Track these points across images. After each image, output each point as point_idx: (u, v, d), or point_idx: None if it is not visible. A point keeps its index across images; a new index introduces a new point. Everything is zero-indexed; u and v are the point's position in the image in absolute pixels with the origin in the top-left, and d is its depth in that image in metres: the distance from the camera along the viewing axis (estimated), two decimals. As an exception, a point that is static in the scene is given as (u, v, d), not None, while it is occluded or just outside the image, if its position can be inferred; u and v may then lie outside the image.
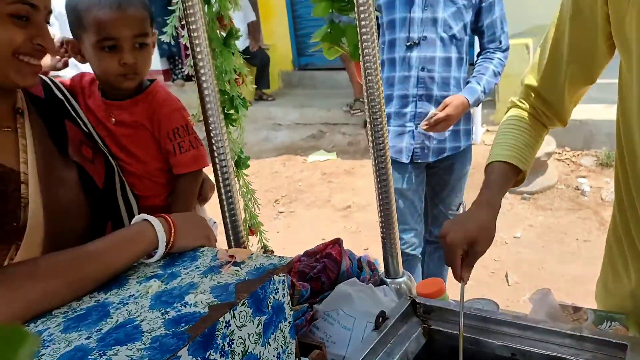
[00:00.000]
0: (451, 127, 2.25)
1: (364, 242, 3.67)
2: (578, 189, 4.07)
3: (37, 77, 0.97)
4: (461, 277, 0.99)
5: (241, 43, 6.75)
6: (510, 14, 6.17)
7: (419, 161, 2.32)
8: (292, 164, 5.59)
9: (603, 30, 0.99)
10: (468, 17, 2.15)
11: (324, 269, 1.27)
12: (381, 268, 1.40)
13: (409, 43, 2.14)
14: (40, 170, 0.93)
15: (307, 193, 4.82)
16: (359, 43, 1.20)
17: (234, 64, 1.11)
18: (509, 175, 1.11)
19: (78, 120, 1.13)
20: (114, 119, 1.30)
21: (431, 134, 2.26)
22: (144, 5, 1.26)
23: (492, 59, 2.22)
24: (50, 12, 0.96)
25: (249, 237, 1.31)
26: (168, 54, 7.83)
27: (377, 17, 1.88)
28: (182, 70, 7.76)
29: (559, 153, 4.53)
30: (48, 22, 0.97)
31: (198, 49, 1.05)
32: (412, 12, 2.11)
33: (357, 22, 1.17)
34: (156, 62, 7.75)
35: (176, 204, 1.32)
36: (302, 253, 1.38)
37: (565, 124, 1.19)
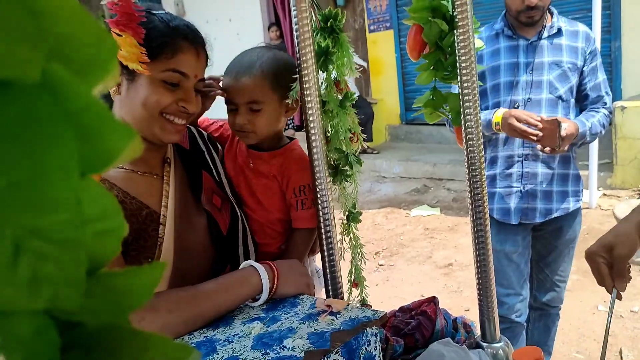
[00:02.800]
0: (559, 188, 2.19)
1: (465, 302, 3.55)
2: None
3: (180, 135, 1.11)
4: (613, 286, 0.96)
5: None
6: (629, 77, 5.92)
7: (526, 222, 2.25)
8: (394, 217, 5.60)
9: None
10: (574, 79, 2.15)
11: (418, 326, 1.29)
12: (478, 331, 1.38)
13: (515, 105, 2.14)
14: (177, 214, 1.07)
15: (408, 247, 4.78)
16: (461, 110, 1.25)
17: (349, 124, 1.21)
18: None
19: (213, 170, 1.26)
20: (252, 165, 1.40)
21: (538, 194, 2.20)
22: (263, 74, 1.31)
23: (597, 111, 2.20)
24: (202, 79, 1.11)
25: (352, 289, 1.36)
26: (282, 106, 8.32)
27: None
28: (293, 120, 8.19)
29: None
30: (199, 89, 1.10)
31: (310, 112, 1.16)
32: (518, 76, 2.14)
33: (460, 90, 1.23)
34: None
35: (290, 254, 1.39)
36: (397, 308, 1.41)
37: None
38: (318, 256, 1.60)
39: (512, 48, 2.15)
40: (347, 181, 1.24)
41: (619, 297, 0.97)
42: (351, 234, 1.30)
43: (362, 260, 1.33)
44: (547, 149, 2.02)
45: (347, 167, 1.26)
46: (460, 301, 3.61)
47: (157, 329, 0.90)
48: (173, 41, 1.01)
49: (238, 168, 1.42)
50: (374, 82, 8.00)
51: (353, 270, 1.31)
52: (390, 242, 4.95)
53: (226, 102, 1.37)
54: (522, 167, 2.20)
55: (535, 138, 1.98)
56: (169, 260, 1.02)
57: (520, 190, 2.21)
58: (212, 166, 1.27)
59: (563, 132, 1.98)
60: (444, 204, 5.71)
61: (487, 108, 2.20)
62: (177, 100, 1.05)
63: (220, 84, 1.32)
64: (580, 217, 2.34)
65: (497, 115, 2.06)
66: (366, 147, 7.50)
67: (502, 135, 2.17)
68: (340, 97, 1.28)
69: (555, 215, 2.23)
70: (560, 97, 2.15)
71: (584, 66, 2.17)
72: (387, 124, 8.10)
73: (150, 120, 1.04)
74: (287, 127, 8.50)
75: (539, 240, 2.36)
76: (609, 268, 0.94)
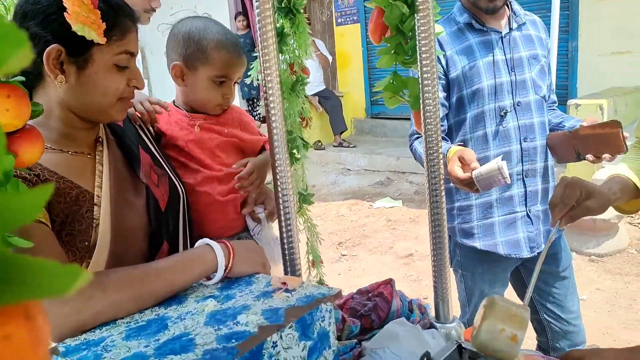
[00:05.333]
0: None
1: (424, 290, 3.62)
2: (652, 255, 3.85)
3: (126, 112, 1.11)
4: (558, 220, 0.97)
5: (316, 87, 6.92)
6: (585, 76, 6.09)
7: (520, 255, 1.88)
8: (358, 209, 5.65)
9: None
10: (549, 75, 1.93)
11: (374, 308, 1.31)
12: (432, 313, 1.41)
13: (502, 113, 1.81)
14: (112, 194, 1.03)
15: (371, 238, 4.83)
16: (420, 94, 1.26)
17: (300, 108, 1.20)
18: (627, 186, 1.12)
19: (150, 145, 1.24)
20: (198, 127, 1.50)
21: (541, 216, 1.89)
22: (245, 54, 1.52)
23: (555, 109, 2.03)
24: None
25: (311, 268, 1.38)
26: (248, 96, 8.25)
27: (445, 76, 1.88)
28: (259, 112, 8.14)
29: (632, 217, 4.32)
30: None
31: (270, 92, 1.16)
32: (499, 77, 1.81)
33: (420, 75, 1.24)
34: (237, 104, 8.17)
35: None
36: (355, 291, 1.42)
37: None
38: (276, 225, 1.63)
39: (485, 43, 1.82)
40: (295, 163, 1.24)
41: (559, 226, 0.99)
42: (304, 215, 1.30)
43: (318, 241, 1.34)
44: (607, 156, 1.65)
45: (294, 151, 1.26)
46: (419, 289, 3.67)
47: (106, 307, 0.88)
48: (121, 22, 0.99)
49: (182, 133, 1.48)
50: (340, 75, 8.02)
51: (310, 250, 1.32)
52: (354, 233, 4.99)
53: (217, 76, 1.46)
54: (525, 187, 1.86)
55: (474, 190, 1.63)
56: (105, 242, 0.99)
57: (527, 214, 1.88)
58: (147, 142, 1.24)
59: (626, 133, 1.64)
60: (406, 197, 5.79)
61: (464, 121, 1.86)
62: (129, 81, 1.04)
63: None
64: (563, 232, 2.04)
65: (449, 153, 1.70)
66: (342, 140, 7.55)
67: (496, 151, 1.84)
68: (293, 80, 1.27)
69: (554, 237, 1.92)
70: (543, 97, 1.88)
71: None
72: (352, 117, 8.14)
73: (109, 106, 1.03)
74: (255, 119, 8.44)
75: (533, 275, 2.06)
76: (570, 208, 0.97)
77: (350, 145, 7.52)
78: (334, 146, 7.60)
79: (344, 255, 4.53)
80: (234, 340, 0.76)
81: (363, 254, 4.53)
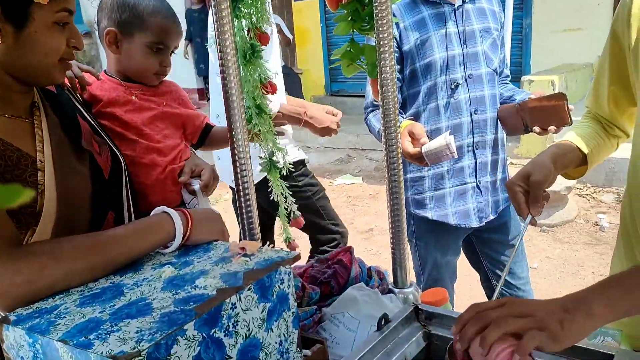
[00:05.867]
0: (502, 175, 1.97)
1: (383, 263, 3.67)
2: (597, 225, 4.03)
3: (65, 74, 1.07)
4: (528, 213, 1.00)
5: (276, 64, 6.80)
6: (538, 53, 6.21)
7: (471, 225, 1.94)
8: (318, 186, 5.67)
9: None
10: (502, 49, 1.96)
11: (334, 275, 1.32)
12: (391, 279, 1.44)
13: (453, 85, 1.84)
14: (56, 160, 0.99)
15: (331, 214, 4.87)
16: (377, 61, 1.26)
17: (258, 75, 1.19)
18: (573, 152, 1.15)
19: (85, 113, 1.21)
20: (135, 97, 1.48)
21: (490, 187, 1.92)
22: (180, 23, 1.52)
23: (507, 83, 2.07)
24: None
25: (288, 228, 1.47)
26: (204, 73, 8.07)
27: (398, 47, 1.89)
28: (217, 90, 7.99)
29: (580, 188, 4.52)
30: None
31: (226, 57, 1.13)
32: (451, 50, 1.83)
33: (377, 42, 1.24)
34: (192, 81, 8.02)
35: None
36: (315, 259, 1.43)
37: (628, 135, 1.23)
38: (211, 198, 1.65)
39: (438, 16, 1.83)
40: (255, 129, 1.23)
41: (534, 223, 1.02)
42: (275, 180, 1.31)
43: (288, 204, 1.35)
44: (553, 128, 1.70)
45: (256, 120, 1.25)
46: (379, 263, 3.73)
47: (60, 276, 0.86)
48: None
49: (120, 101, 1.46)
50: (299, 53, 7.95)
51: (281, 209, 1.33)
52: (314, 209, 5.02)
53: (154, 42, 1.43)
54: (475, 158, 1.90)
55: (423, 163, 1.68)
56: (52, 209, 0.95)
57: (477, 185, 1.92)
58: (82, 110, 1.21)
59: (571, 105, 1.69)
60: (366, 173, 5.85)
61: (418, 93, 1.88)
62: (68, 41, 1.00)
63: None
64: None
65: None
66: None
67: (447, 123, 1.87)
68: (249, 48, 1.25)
69: (502, 207, 1.98)
70: (495, 70, 1.91)
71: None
72: (312, 95, 8.10)
73: (51, 67, 0.99)
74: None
75: (486, 244, 2.06)
76: (526, 196, 1.00)
77: None
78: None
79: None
80: (192, 303, 0.76)
81: (324, 229, 4.57)
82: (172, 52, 1.52)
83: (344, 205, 5.03)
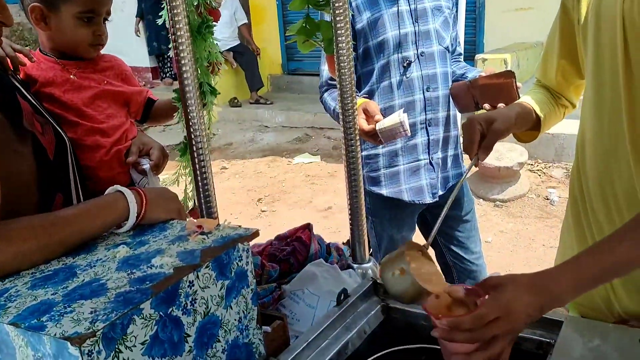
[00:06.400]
0: (453, 151, 2.00)
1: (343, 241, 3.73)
2: (547, 199, 4.19)
3: None
4: (476, 154, 1.01)
5: (229, 42, 6.70)
6: (490, 32, 6.28)
7: (422, 201, 1.97)
8: (276, 165, 5.65)
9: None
10: (454, 27, 1.99)
11: (293, 252, 1.33)
12: (350, 255, 1.46)
13: (406, 63, 1.86)
14: None
15: (290, 194, 4.87)
16: (334, 38, 1.26)
17: (207, 52, 1.16)
18: (530, 114, 1.16)
19: (25, 93, 1.15)
20: (73, 76, 1.42)
21: (440, 163, 1.96)
22: None
23: (460, 60, 2.10)
24: None
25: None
26: (157, 52, 7.85)
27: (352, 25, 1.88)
28: (171, 68, 7.79)
29: (531, 164, 4.67)
30: None
31: (179, 34, 1.10)
32: (403, 28, 1.84)
33: (333, 18, 1.23)
34: (145, 60, 7.79)
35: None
36: (274, 237, 1.43)
37: (575, 106, 1.26)
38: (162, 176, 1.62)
39: None
40: (204, 110, 1.20)
41: (476, 165, 1.05)
42: (186, 161, 1.29)
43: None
44: (502, 105, 1.71)
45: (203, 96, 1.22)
46: (339, 240, 3.77)
47: (9, 259, 0.82)
48: None
49: (57, 81, 1.41)
50: (255, 31, 7.81)
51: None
52: (273, 189, 5.01)
53: (82, 12, 1.36)
54: (428, 135, 1.93)
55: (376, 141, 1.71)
56: None
57: (429, 161, 1.95)
58: (22, 90, 1.15)
59: (519, 83, 1.75)
60: (325, 152, 5.86)
61: (372, 71, 1.89)
62: None
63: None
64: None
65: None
66: (258, 97, 7.42)
67: (400, 100, 1.88)
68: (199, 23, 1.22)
69: (452, 183, 2.02)
70: (447, 48, 1.93)
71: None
72: (269, 74, 8.01)
73: None
74: (164, 76, 8.09)
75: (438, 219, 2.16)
76: (481, 138, 1.01)
77: (267, 102, 7.43)
78: (250, 103, 7.47)
79: (263, 211, 4.55)
80: (148, 282, 0.75)
81: (283, 209, 4.57)
82: (106, 19, 1.44)
83: (303, 185, 5.04)
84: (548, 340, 0.92)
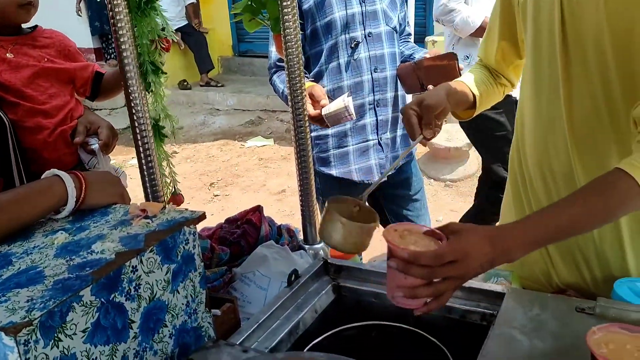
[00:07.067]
0: (402, 131, 1.99)
1: (297, 224, 3.72)
2: (494, 178, 4.32)
3: None
4: (420, 134, 1.03)
5: (177, 22, 6.49)
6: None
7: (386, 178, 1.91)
8: (229, 149, 5.57)
9: None
10: (402, 7, 1.99)
11: (243, 234, 1.31)
12: (301, 236, 1.46)
13: (354, 44, 1.85)
14: None
15: (243, 177, 4.82)
16: (280, 17, 1.23)
17: (150, 28, 1.12)
18: (465, 91, 1.17)
19: None
20: (10, 54, 1.35)
21: (390, 143, 1.97)
22: None
23: (408, 41, 2.11)
24: None
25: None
26: (100, 31, 7.54)
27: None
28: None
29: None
30: None
31: (117, 9, 1.06)
32: (351, 8, 1.83)
33: (279, -5, 1.21)
34: (87, 40, 7.46)
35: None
36: (223, 220, 1.41)
37: (514, 86, 1.29)
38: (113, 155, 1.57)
39: None
40: (150, 91, 1.16)
41: (423, 144, 1.07)
42: (160, 147, 1.25)
43: (169, 166, 1.30)
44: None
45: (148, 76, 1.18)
46: (293, 223, 3.77)
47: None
48: None
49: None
50: (204, 11, 7.60)
51: (167, 174, 1.28)
52: (225, 173, 4.94)
53: None
54: (376, 116, 1.93)
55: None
56: None
57: (378, 141, 1.96)
58: None
59: (461, 65, 1.78)
60: (278, 135, 5.82)
61: (321, 52, 1.88)
62: None
63: None
64: (415, 158, 2.15)
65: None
66: (209, 79, 7.25)
67: (349, 81, 1.88)
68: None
69: (400, 163, 2.02)
70: (394, 29, 1.93)
71: None
72: (219, 55, 7.85)
73: None
74: (108, 57, 7.79)
75: (390, 199, 2.10)
76: (419, 119, 1.03)
77: (218, 85, 7.29)
78: (200, 85, 7.31)
79: (216, 195, 4.49)
80: (88, 269, 0.72)
81: (236, 193, 4.52)
82: None
83: (256, 168, 5.00)
84: (491, 311, 0.95)
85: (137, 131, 1.13)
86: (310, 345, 0.94)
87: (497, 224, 1.32)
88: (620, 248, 1.06)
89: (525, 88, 1.13)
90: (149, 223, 0.85)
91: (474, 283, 0.99)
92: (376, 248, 3.13)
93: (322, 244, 1.40)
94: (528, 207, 1.16)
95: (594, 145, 1.01)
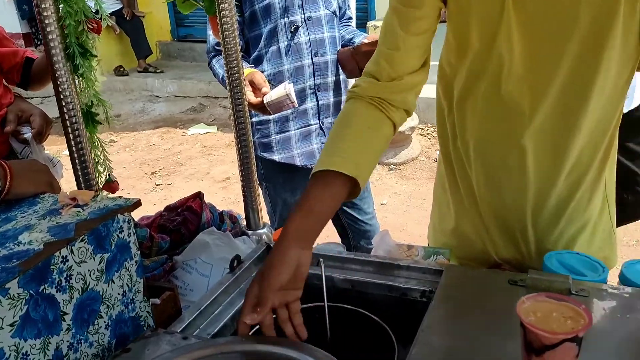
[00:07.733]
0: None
1: (242, 212, 3.70)
2: (437, 161, 4.43)
3: None
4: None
5: (110, 6, 6.25)
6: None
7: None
8: (170, 137, 5.44)
9: None
10: None
11: (184, 222, 1.29)
12: (244, 222, 1.45)
13: (293, 28, 1.84)
14: None
15: (186, 166, 4.73)
16: (216, -3, 1.21)
17: (78, 8, 1.06)
18: (338, 189, 0.94)
19: None
20: None
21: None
22: None
23: (349, 25, 2.10)
24: None
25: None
26: (29, 15, 7.14)
27: None
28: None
29: (422, 128, 4.91)
30: None
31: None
32: None
33: (214, -24, 1.18)
34: (16, 25, 7.06)
35: None
36: (163, 209, 1.38)
37: (409, 114, 1.06)
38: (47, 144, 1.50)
39: None
40: (78, 76, 1.11)
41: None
42: (93, 134, 1.20)
43: (103, 153, 1.25)
44: None
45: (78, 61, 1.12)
46: (238, 211, 3.75)
47: None
48: None
49: None
50: (140, -6, 7.35)
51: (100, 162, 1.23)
52: (167, 161, 4.82)
53: None
54: (317, 100, 1.93)
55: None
56: None
57: (320, 126, 1.96)
58: None
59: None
60: (221, 122, 5.73)
61: (260, 36, 1.86)
62: None
63: None
64: None
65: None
66: (147, 65, 7.01)
67: (289, 66, 1.87)
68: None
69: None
70: (334, 13, 1.93)
71: None
72: (157, 40, 7.61)
73: None
74: (39, 43, 7.39)
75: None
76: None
77: (157, 71, 7.08)
78: (138, 71, 7.08)
79: (158, 185, 4.38)
80: (14, 260, 0.68)
81: (179, 181, 4.43)
82: None
83: (199, 156, 4.91)
84: (430, 288, 0.98)
85: (67, 117, 1.08)
86: (254, 329, 0.94)
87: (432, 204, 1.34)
88: (557, 221, 1.10)
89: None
90: (79, 212, 0.82)
91: (414, 262, 1.01)
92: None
93: (265, 229, 1.40)
94: (464, 189, 1.17)
95: None
